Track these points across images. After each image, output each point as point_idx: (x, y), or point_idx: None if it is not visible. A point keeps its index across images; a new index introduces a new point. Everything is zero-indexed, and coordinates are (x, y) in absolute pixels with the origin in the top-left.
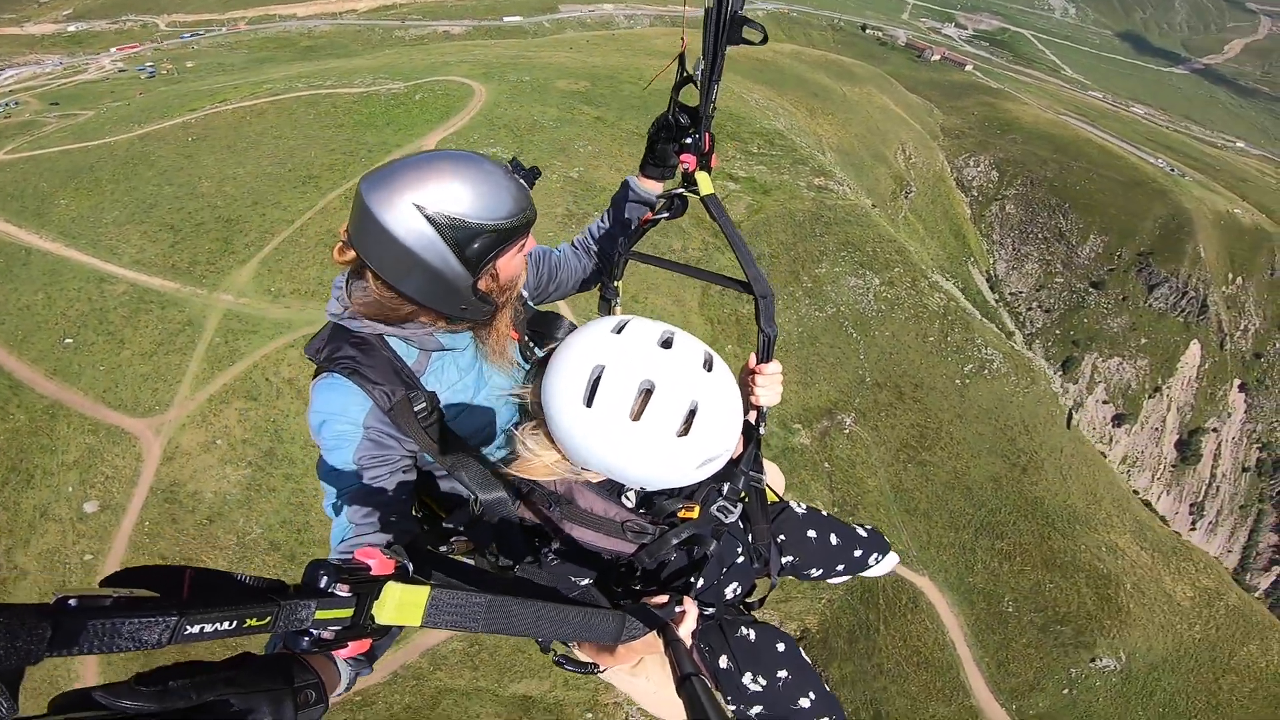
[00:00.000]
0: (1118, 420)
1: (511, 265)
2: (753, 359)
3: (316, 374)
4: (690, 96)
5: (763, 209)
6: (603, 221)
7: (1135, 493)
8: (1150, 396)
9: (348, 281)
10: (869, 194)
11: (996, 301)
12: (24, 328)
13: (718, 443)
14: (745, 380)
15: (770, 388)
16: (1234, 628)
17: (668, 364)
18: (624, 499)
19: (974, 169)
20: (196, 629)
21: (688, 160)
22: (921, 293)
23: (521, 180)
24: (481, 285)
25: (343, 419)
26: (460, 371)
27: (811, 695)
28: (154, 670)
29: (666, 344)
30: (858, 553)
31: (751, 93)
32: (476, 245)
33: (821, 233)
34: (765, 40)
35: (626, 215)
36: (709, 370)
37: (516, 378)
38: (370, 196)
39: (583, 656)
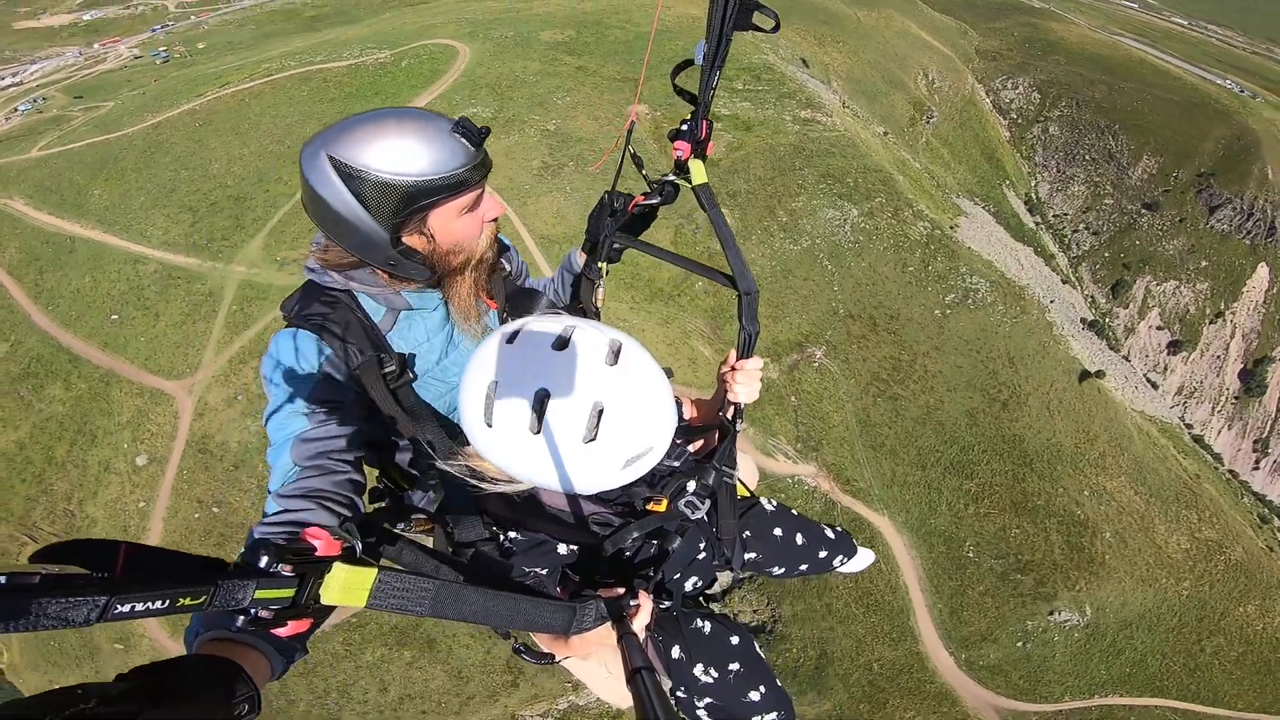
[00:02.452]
0: (1174, 347)
1: (453, 227)
2: (732, 354)
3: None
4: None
5: (743, 146)
6: (553, 281)
7: (1188, 426)
8: (1211, 322)
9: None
10: (882, 121)
11: (1037, 224)
12: (76, 308)
13: (635, 441)
14: (724, 376)
15: (749, 384)
16: (1232, 585)
17: (562, 366)
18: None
19: (1012, 91)
20: (127, 608)
21: (681, 148)
22: (904, 222)
23: (463, 139)
24: (410, 242)
25: (298, 363)
26: (429, 332)
27: (762, 689)
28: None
29: (562, 344)
30: (823, 554)
31: None
32: (384, 198)
33: (801, 166)
34: (777, 28)
35: (568, 285)
36: (614, 364)
37: None
38: (302, 152)
39: (542, 646)
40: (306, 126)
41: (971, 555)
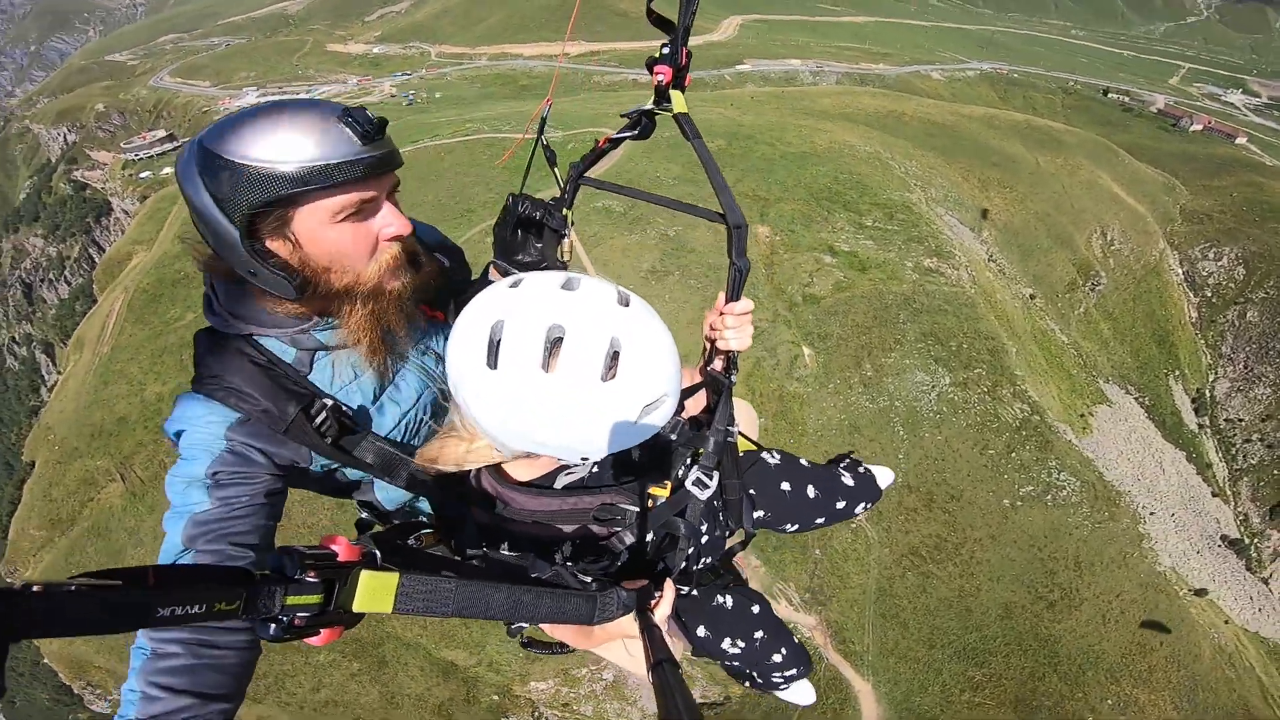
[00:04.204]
0: None
1: (325, 235)
2: (721, 298)
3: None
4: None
5: (851, 287)
6: None
7: None
8: None
9: None
10: (1034, 282)
11: (1200, 426)
12: None
13: (653, 383)
14: (713, 323)
15: (741, 329)
16: None
17: (575, 305)
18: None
19: (1214, 263)
20: (168, 611)
21: (662, 72)
22: (999, 400)
23: (347, 127)
24: (274, 248)
25: (204, 428)
26: (355, 370)
27: (784, 650)
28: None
29: (571, 286)
30: (841, 504)
31: (908, 160)
32: (231, 186)
33: (906, 320)
34: None
35: None
36: (625, 306)
37: (431, 368)
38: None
39: (557, 635)
40: (476, 188)
41: None
